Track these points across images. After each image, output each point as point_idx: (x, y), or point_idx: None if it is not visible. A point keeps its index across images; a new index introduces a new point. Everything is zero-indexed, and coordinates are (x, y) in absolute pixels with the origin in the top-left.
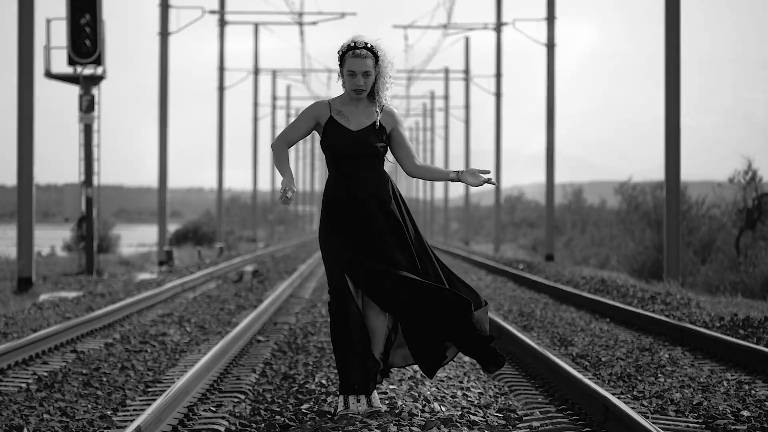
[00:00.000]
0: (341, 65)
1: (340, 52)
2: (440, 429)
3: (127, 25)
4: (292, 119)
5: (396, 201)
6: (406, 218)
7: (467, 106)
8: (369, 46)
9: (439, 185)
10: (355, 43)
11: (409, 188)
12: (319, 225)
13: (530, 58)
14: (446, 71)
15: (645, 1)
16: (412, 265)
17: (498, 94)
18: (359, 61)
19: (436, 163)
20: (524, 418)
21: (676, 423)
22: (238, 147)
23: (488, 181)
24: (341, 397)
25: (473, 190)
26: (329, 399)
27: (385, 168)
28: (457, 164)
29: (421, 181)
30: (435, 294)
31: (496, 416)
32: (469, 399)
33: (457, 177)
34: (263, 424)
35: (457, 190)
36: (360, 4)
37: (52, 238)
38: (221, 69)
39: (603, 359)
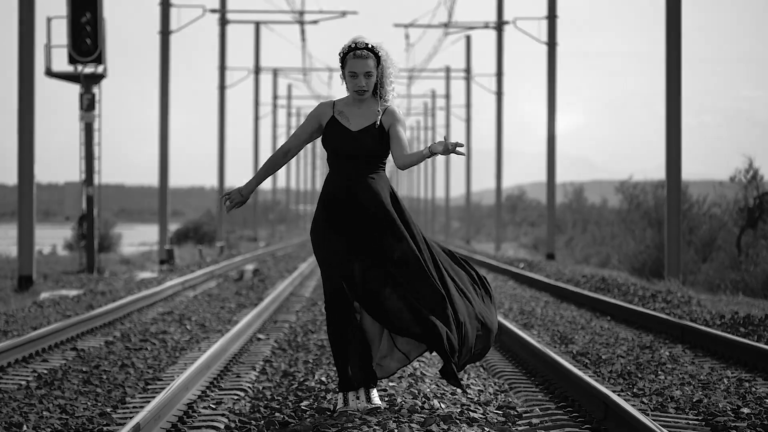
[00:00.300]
0: (343, 67)
1: (342, 54)
2: (439, 426)
3: (128, 24)
4: (293, 118)
5: (396, 203)
6: (408, 220)
7: (468, 105)
8: (370, 46)
9: (440, 184)
10: (356, 44)
11: (411, 188)
12: (312, 222)
13: (531, 57)
14: (447, 70)
15: (646, 0)
16: (415, 266)
17: (499, 93)
18: (361, 62)
19: (438, 161)
20: (524, 415)
21: (676, 420)
22: (239, 146)
23: (455, 149)
24: (341, 394)
25: (474, 188)
26: (329, 396)
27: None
28: (458, 163)
29: (422, 181)
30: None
31: (496, 413)
32: (468, 396)
33: (429, 151)
34: (263, 422)
35: (458, 189)
36: (361, 2)
37: (53, 237)
38: (222, 68)
39: (603, 357)
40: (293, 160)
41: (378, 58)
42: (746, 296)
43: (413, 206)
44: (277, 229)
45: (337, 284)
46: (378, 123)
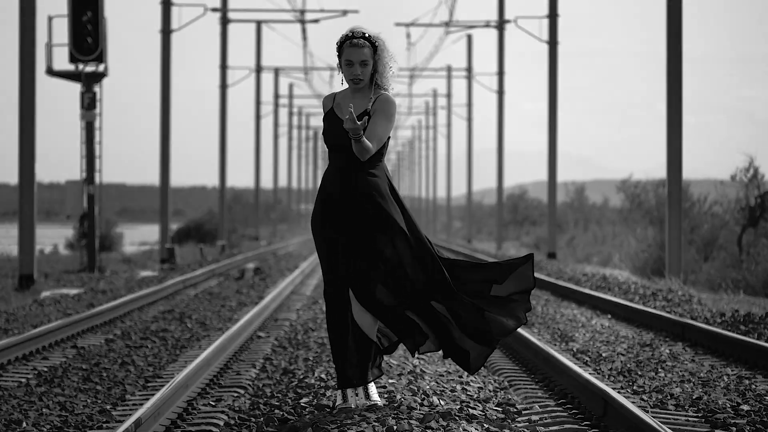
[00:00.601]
0: (339, 56)
1: (338, 43)
2: (439, 422)
3: (129, 23)
4: (295, 118)
5: (396, 199)
6: (406, 216)
7: (470, 104)
8: (367, 35)
9: (441, 184)
10: (352, 33)
11: (412, 187)
12: (312, 215)
13: (533, 56)
14: (448, 69)
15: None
16: (412, 261)
17: (500, 92)
18: (357, 51)
19: (439, 161)
20: (523, 412)
21: (676, 417)
22: (240, 145)
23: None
24: (340, 391)
25: (475, 188)
26: (328, 393)
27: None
28: (459, 163)
29: (423, 180)
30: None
31: (495, 410)
32: (468, 393)
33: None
34: (262, 419)
35: (459, 188)
36: (362, 1)
37: (54, 237)
38: (223, 67)
39: (603, 355)
40: (293, 160)
41: (374, 47)
42: (747, 295)
43: (414, 206)
44: (278, 228)
45: (335, 284)
46: (369, 110)
